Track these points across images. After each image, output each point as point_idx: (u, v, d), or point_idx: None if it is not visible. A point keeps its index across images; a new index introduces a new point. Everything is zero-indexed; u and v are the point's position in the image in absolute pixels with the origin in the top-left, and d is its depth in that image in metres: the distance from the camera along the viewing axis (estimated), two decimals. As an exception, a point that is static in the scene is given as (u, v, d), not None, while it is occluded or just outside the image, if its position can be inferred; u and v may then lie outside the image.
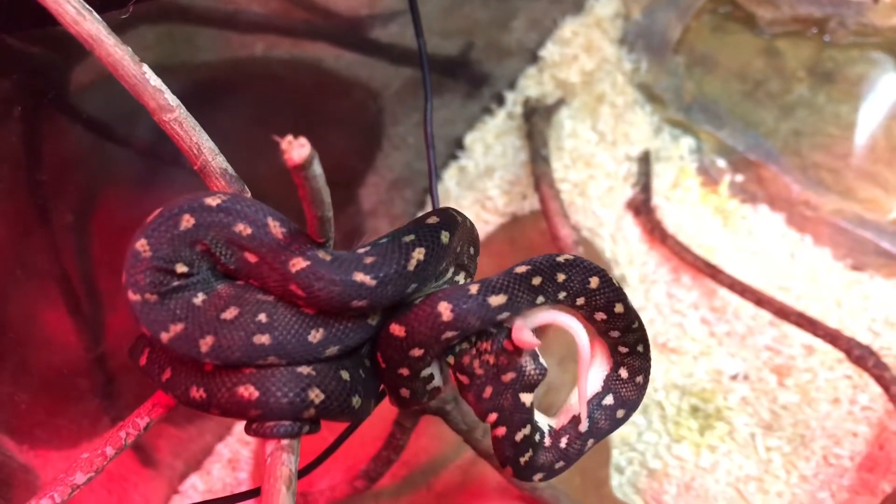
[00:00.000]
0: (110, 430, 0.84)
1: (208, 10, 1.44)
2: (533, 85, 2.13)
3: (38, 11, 0.74)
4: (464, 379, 0.84)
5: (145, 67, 0.77)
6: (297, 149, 0.59)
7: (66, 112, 1.24)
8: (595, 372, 0.92)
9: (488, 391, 0.83)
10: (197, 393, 0.76)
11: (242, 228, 0.74)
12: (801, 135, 1.93)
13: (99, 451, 0.82)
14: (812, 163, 1.90)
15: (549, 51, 2.16)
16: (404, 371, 0.82)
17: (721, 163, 1.98)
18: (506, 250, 1.89)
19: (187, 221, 0.74)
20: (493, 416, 0.84)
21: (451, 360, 0.84)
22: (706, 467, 1.63)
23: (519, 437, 0.85)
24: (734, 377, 1.74)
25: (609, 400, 0.92)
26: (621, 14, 2.16)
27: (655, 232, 1.87)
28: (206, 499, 0.99)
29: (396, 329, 0.79)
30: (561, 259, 0.83)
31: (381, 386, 0.86)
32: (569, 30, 2.16)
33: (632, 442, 1.67)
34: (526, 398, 0.84)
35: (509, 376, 0.83)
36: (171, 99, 0.78)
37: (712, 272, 1.76)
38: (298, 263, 0.73)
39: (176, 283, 0.75)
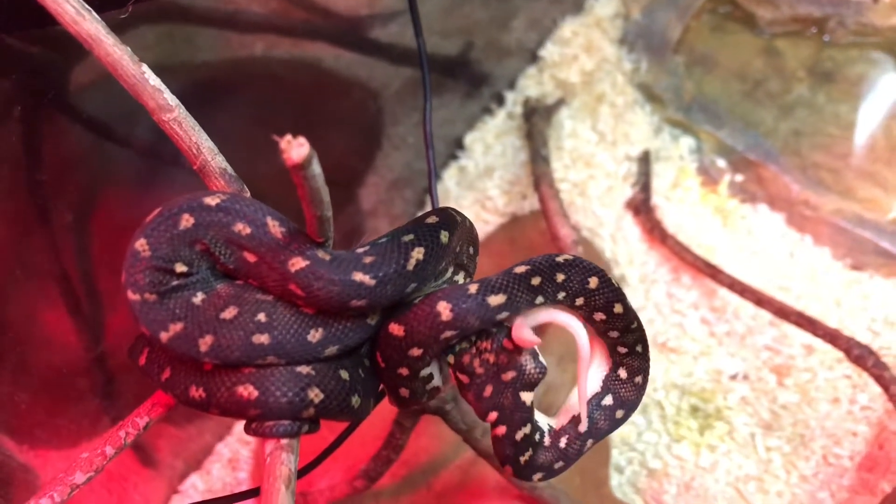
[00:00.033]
0: (110, 429, 0.84)
1: (208, 10, 1.45)
2: (533, 85, 2.13)
3: (38, 11, 0.74)
4: (464, 378, 0.84)
5: (144, 67, 0.77)
6: (295, 148, 0.59)
7: (65, 112, 1.24)
8: (594, 372, 0.92)
9: (488, 390, 0.84)
10: (196, 392, 0.76)
11: (242, 228, 0.74)
12: (801, 134, 1.93)
13: (98, 451, 0.82)
14: (812, 162, 1.90)
15: (549, 51, 2.16)
16: (403, 371, 0.82)
17: (721, 162, 1.98)
18: (505, 250, 1.89)
19: (187, 221, 0.74)
20: (493, 415, 0.84)
21: (450, 359, 0.84)
22: (706, 467, 1.63)
23: (519, 436, 0.85)
24: (734, 377, 1.74)
25: (608, 400, 0.92)
26: (621, 14, 2.16)
27: (655, 232, 1.88)
28: (205, 498, 0.99)
29: (396, 329, 0.79)
30: (560, 259, 0.83)
31: (381, 385, 0.87)
32: (569, 30, 2.16)
33: (631, 442, 1.67)
34: (526, 397, 0.84)
35: (509, 375, 0.83)
36: (171, 98, 0.78)
37: (712, 272, 1.76)
38: (297, 263, 0.73)
39: (175, 283, 0.75)
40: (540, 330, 0.83)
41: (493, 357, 0.83)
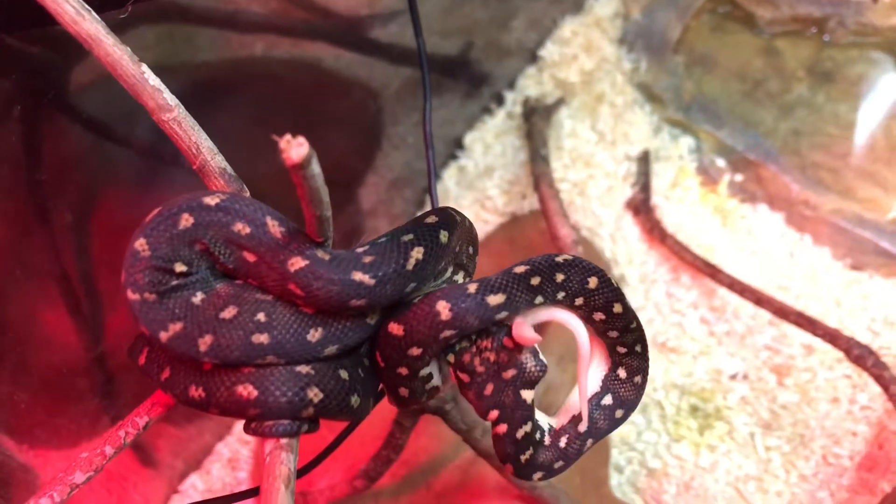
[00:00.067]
0: (109, 429, 0.84)
1: (208, 9, 1.45)
2: (532, 85, 2.13)
3: (38, 11, 0.74)
4: (464, 377, 0.84)
5: (144, 67, 0.77)
6: (295, 148, 0.59)
7: (65, 112, 1.24)
8: (594, 372, 0.92)
9: (489, 388, 0.84)
10: (196, 392, 0.76)
11: (241, 228, 0.74)
12: (801, 134, 1.93)
13: (98, 451, 0.82)
14: (811, 162, 1.90)
15: (549, 50, 2.16)
16: (403, 370, 0.82)
17: (720, 162, 1.98)
18: (505, 250, 1.89)
19: (186, 221, 0.74)
20: (494, 414, 0.84)
21: (451, 358, 0.84)
22: (705, 467, 1.63)
23: (520, 434, 0.85)
24: (733, 377, 1.74)
25: (608, 400, 0.92)
26: (621, 14, 2.16)
27: (655, 231, 1.88)
28: (205, 498, 0.99)
29: (395, 328, 0.79)
30: (560, 259, 0.83)
31: (380, 385, 0.87)
32: (568, 29, 2.16)
33: (631, 441, 1.67)
34: (527, 395, 0.84)
35: (510, 373, 0.83)
36: (170, 98, 0.78)
37: (712, 272, 1.76)
38: (297, 263, 0.73)
39: (175, 283, 0.75)
40: (540, 329, 0.83)
41: (493, 355, 0.83)
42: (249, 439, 1.73)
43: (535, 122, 1.99)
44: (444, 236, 0.80)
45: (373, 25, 1.75)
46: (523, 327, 0.80)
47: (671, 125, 2.04)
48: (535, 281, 0.81)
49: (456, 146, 2.11)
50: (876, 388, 1.59)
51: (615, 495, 1.59)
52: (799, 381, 1.70)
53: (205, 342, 0.73)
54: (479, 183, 2.04)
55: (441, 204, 1.11)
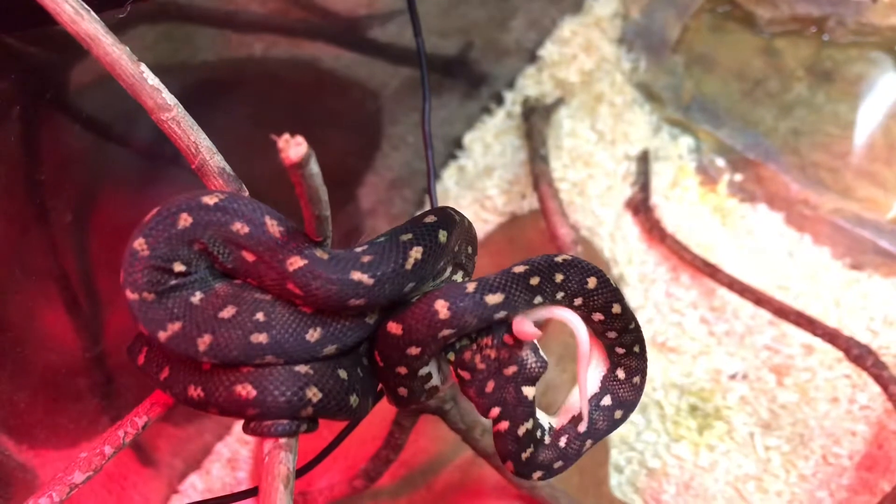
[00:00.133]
0: (109, 429, 0.84)
1: (207, 9, 1.45)
2: (532, 84, 2.13)
3: (37, 10, 0.74)
4: (465, 375, 0.84)
5: (143, 66, 0.77)
6: (293, 147, 0.59)
7: (64, 111, 1.24)
8: (593, 373, 0.92)
9: (490, 386, 0.84)
10: (195, 392, 0.76)
11: (240, 227, 0.74)
12: (800, 134, 1.93)
13: (97, 450, 0.82)
14: (811, 162, 1.90)
15: (548, 50, 2.16)
16: (402, 370, 0.82)
17: (720, 162, 1.98)
18: (505, 249, 1.89)
19: (185, 220, 0.74)
20: (495, 411, 0.84)
21: (451, 356, 0.84)
22: (705, 466, 1.63)
23: (521, 431, 0.85)
24: (733, 376, 1.74)
25: (607, 401, 0.92)
26: (620, 13, 2.16)
27: (654, 231, 1.88)
28: (205, 498, 0.99)
29: (393, 327, 0.79)
30: (559, 259, 0.83)
31: (379, 385, 0.87)
32: (568, 29, 2.16)
33: (631, 441, 1.67)
34: (528, 391, 0.84)
35: (511, 370, 0.83)
36: (169, 98, 0.78)
37: (711, 271, 1.76)
38: (296, 262, 0.73)
39: (174, 282, 0.75)
40: (539, 327, 0.83)
41: (494, 353, 0.83)
42: (249, 439, 1.73)
43: (535, 121, 1.99)
44: (442, 236, 0.80)
45: (372, 25, 1.75)
46: (523, 323, 0.80)
47: (671, 125, 2.04)
48: (535, 281, 0.81)
49: (455, 146, 2.11)
50: (875, 388, 1.59)
51: (615, 495, 1.59)
52: (798, 380, 1.70)
53: (204, 342, 0.73)
54: (479, 183, 2.04)
55: (441, 204, 1.11)
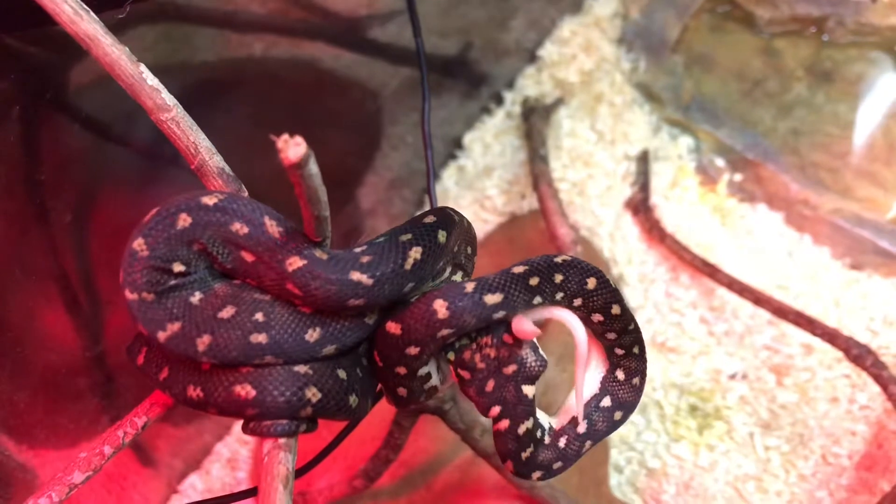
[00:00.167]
0: (108, 429, 0.84)
1: (207, 9, 1.45)
2: (531, 84, 2.13)
3: (36, 11, 0.74)
4: (465, 374, 0.84)
5: (142, 67, 0.77)
6: (292, 147, 0.59)
7: (64, 111, 1.24)
8: (592, 374, 0.93)
9: (490, 384, 0.84)
10: (194, 392, 0.76)
11: (239, 227, 0.74)
12: (800, 134, 1.93)
13: (97, 450, 0.82)
14: (810, 162, 1.90)
15: (548, 50, 2.16)
16: (401, 370, 0.82)
17: (719, 162, 1.98)
18: (504, 249, 1.89)
19: (184, 220, 0.74)
20: (495, 410, 0.84)
21: (451, 356, 0.84)
22: (705, 466, 1.64)
23: (522, 430, 0.85)
24: (733, 376, 1.74)
25: (606, 402, 0.92)
26: (620, 13, 2.16)
27: (654, 231, 1.88)
28: (204, 498, 0.99)
29: (392, 327, 0.79)
30: (559, 260, 0.83)
31: (379, 385, 0.87)
32: (567, 29, 2.16)
33: (630, 441, 1.67)
34: (528, 390, 0.84)
35: (511, 369, 0.83)
36: (168, 98, 0.78)
37: (711, 271, 1.76)
38: (295, 262, 0.73)
39: (173, 283, 0.75)
40: (539, 327, 0.83)
41: (493, 352, 0.83)
42: (248, 439, 1.73)
43: (535, 121, 1.99)
44: (442, 236, 0.80)
45: (371, 25, 1.75)
46: (522, 321, 0.80)
47: (670, 125, 2.04)
48: (534, 281, 0.81)
49: (455, 146, 2.11)
50: (875, 388, 1.59)
51: (614, 495, 1.59)
52: (798, 380, 1.70)
53: (203, 342, 0.73)
54: (479, 183, 2.04)
55: (440, 204, 1.12)
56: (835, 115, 1.91)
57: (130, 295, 0.74)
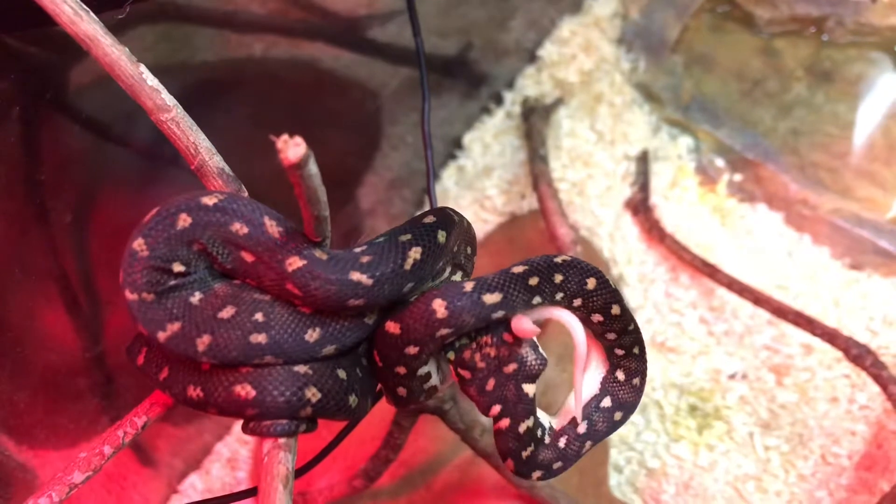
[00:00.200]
0: (108, 429, 0.84)
1: (207, 9, 1.45)
2: (531, 84, 2.13)
3: (37, 11, 0.74)
4: (465, 374, 0.84)
5: (142, 67, 0.77)
6: (292, 148, 0.59)
7: (64, 112, 1.24)
8: (592, 374, 0.93)
9: (491, 383, 0.84)
10: (194, 392, 0.76)
11: (239, 228, 0.74)
12: (800, 134, 1.93)
13: (97, 450, 0.82)
14: (810, 162, 1.90)
15: (548, 50, 2.16)
16: (401, 369, 0.82)
17: (719, 162, 1.98)
18: (504, 249, 1.89)
19: (184, 221, 0.74)
20: (496, 409, 0.84)
21: (451, 356, 0.84)
22: (705, 466, 1.64)
23: (522, 428, 0.85)
24: (732, 376, 1.74)
25: (606, 402, 0.92)
26: (619, 14, 2.16)
27: (654, 231, 1.88)
28: (204, 498, 0.99)
29: (392, 327, 0.79)
30: (558, 260, 0.83)
31: (379, 385, 0.87)
32: (567, 29, 2.16)
33: (630, 441, 1.67)
34: (529, 389, 0.84)
35: (511, 367, 0.83)
36: (168, 98, 0.78)
37: (710, 271, 1.76)
38: (295, 262, 0.73)
39: (173, 283, 0.75)
40: (538, 327, 0.83)
41: (493, 351, 0.83)
42: (248, 439, 1.73)
43: (534, 121, 1.99)
44: (441, 236, 0.80)
45: (371, 25, 1.75)
46: (522, 320, 0.80)
47: (670, 125, 2.04)
48: (534, 281, 0.81)
49: (455, 146, 2.11)
50: (875, 388, 1.59)
51: (614, 495, 1.60)
52: (798, 380, 1.70)
53: (203, 342, 0.73)
54: (478, 183, 2.04)
55: (440, 204, 1.12)
56: (834, 115, 1.91)
57: (130, 295, 0.74)
